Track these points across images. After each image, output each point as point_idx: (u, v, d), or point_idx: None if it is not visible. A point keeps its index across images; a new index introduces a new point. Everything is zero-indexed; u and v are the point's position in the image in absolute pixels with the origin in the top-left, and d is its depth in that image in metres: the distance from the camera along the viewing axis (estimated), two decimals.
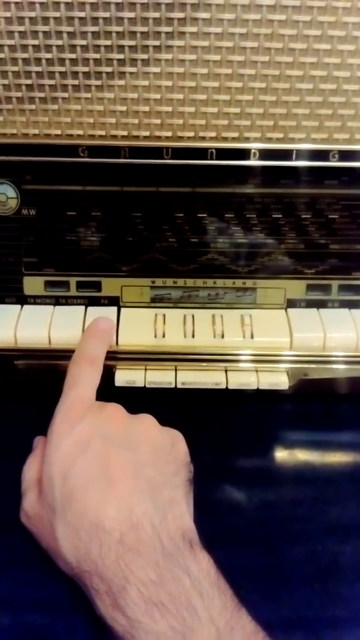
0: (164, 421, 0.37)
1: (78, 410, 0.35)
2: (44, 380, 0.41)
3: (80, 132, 0.38)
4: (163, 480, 0.33)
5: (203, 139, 0.39)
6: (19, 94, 0.37)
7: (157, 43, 0.35)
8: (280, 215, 0.41)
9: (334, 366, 0.43)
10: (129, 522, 0.31)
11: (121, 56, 0.35)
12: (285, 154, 0.39)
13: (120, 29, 0.34)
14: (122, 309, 0.43)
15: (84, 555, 0.31)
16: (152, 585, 0.29)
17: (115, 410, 0.36)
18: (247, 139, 0.39)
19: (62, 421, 0.35)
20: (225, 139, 0.39)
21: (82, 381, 0.37)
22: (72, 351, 0.39)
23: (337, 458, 0.43)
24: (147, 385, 0.41)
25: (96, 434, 0.34)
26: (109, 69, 0.36)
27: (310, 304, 0.44)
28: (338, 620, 0.34)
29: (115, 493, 0.32)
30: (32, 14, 0.34)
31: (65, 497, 0.32)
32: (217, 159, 0.39)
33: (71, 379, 0.37)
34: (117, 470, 0.33)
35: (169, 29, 0.35)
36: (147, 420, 0.37)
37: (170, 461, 0.35)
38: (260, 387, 0.42)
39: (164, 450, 0.35)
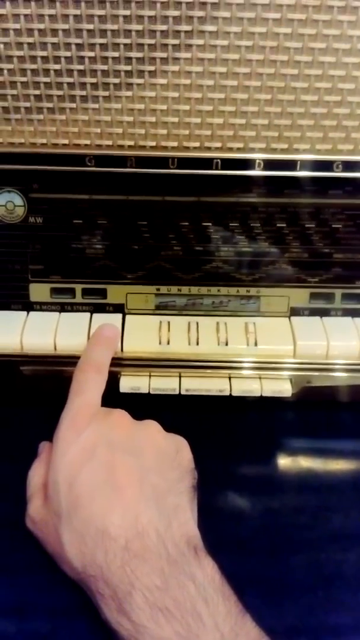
0: (168, 427, 0.37)
1: (84, 417, 0.35)
2: (50, 386, 0.41)
3: (88, 141, 0.39)
4: (168, 487, 0.34)
5: (208, 149, 0.39)
6: (28, 104, 0.37)
7: (164, 55, 0.35)
8: (285, 225, 0.42)
9: (337, 374, 0.43)
10: (135, 529, 0.31)
11: (128, 68, 0.36)
12: (290, 165, 0.39)
13: (127, 41, 0.35)
14: (127, 316, 0.44)
15: (89, 561, 0.31)
16: (158, 591, 0.29)
17: (121, 416, 0.37)
18: (252, 150, 0.39)
19: (68, 428, 0.35)
20: (230, 149, 0.39)
21: (88, 388, 0.37)
22: (78, 357, 0.39)
23: (340, 466, 0.43)
24: (152, 392, 0.42)
25: (102, 441, 0.34)
26: (117, 80, 0.36)
27: (314, 312, 0.44)
28: (341, 627, 0.34)
29: (120, 500, 0.32)
30: (41, 26, 0.35)
31: (71, 503, 0.32)
32: (222, 168, 0.40)
33: (77, 385, 0.37)
34: (122, 477, 0.33)
35: (176, 42, 0.35)
36: (151, 427, 0.37)
37: (174, 467, 0.35)
38: (264, 395, 0.42)
39: (168, 456, 0.36)
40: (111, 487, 0.33)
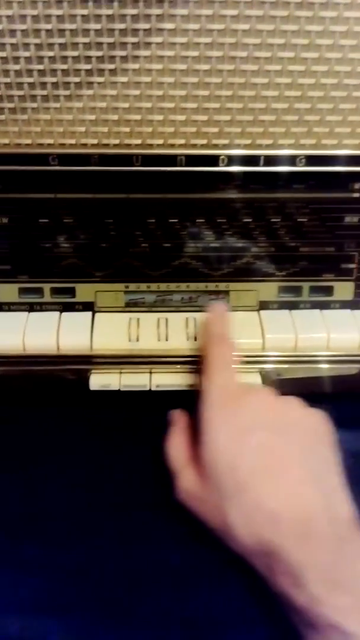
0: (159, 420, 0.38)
1: (230, 396, 0.35)
2: (20, 386, 0.41)
3: (51, 141, 0.39)
4: (326, 467, 0.34)
5: (172, 146, 0.39)
6: None
7: (123, 53, 0.35)
8: (251, 220, 0.42)
9: (307, 366, 0.44)
10: (301, 510, 0.32)
11: (89, 66, 0.36)
12: (254, 160, 0.40)
13: (87, 40, 0.35)
14: (97, 314, 0.44)
15: (259, 541, 0.32)
16: (330, 568, 0.30)
17: (266, 395, 0.37)
18: (215, 146, 0.39)
19: (216, 407, 0.35)
20: (194, 146, 0.39)
21: (225, 364, 0.37)
22: (48, 357, 0.39)
23: None
24: (122, 389, 0.42)
25: (255, 422, 0.35)
26: (77, 79, 0.36)
27: (282, 305, 0.45)
28: None
29: (285, 483, 0.33)
30: None
31: (235, 487, 0.33)
32: (186, 165, 0.40)
33: (213, 361, 0.37)
34: (282, 459, 0.34)
35: (135, 40, 0.35)
36: (294, 403, 0.37)
37: (325, 445, 0.35)
38: None
39: (317, 434, 0.35)
40: (274, 470, 0.33)
